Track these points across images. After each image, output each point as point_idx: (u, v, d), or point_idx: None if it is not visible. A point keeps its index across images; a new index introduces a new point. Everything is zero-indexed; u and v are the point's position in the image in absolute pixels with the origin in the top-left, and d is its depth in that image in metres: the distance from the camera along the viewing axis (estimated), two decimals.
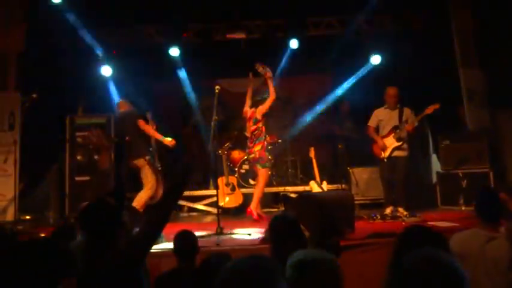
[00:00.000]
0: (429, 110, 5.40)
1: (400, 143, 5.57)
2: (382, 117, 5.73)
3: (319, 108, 7.56)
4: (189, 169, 2.12)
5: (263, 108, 5.63)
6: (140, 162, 5.47)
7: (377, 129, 5.76)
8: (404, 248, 1.70)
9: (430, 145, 7.00)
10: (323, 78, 8.01)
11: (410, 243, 1.73)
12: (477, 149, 5.98)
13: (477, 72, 6.53)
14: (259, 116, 5.65)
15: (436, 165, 6.69)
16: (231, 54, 7.38)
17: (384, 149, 5.60)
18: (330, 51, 7.23)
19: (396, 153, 5.58)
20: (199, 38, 7.18)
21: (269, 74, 5.64)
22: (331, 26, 7.30)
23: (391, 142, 5.61)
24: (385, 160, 5.61)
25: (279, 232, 2.29)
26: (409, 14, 7.20)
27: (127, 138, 5.62)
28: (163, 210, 2.01)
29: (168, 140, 5.49)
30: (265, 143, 5.69)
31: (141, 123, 5.57)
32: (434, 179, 6.54)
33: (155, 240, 2.01)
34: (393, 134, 5.61)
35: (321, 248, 2.14)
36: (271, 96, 5.58)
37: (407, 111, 5.66)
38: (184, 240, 2.79)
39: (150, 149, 5.77)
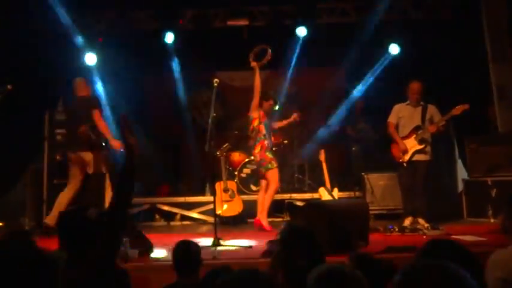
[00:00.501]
0: (457, 110, 5.40)
1: (422, 146, 5.56)
2: (403, 114, 5.71)
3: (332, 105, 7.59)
4: (131, 150, 2.16)
5: (253, 104, 5.65)
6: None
7: (397, 128, 5.76)
8: None
9: (455, 149, 7.00)
10: (335, 71, 8.03)
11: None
12: (509, 153, 5.97)
13: (510, 68, 6.54)
14: (252, 114, 5.68)
15: (462, 172, 6.69)
16: (232, 44, 7.40)
17: (405, 151, 5.58)
18: (343, 42, 7.24)
19: (417, 157, 5.57)
20: (197, 24, 7.20)
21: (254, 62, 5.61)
22: (345, 14, 7.32)
23: (412, 144, 5.60)
24: (405, 165, 5.60)
25: (292, 244, 2.26)
26: (434, 1, 7.21)
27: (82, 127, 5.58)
28: (121, 200, 2.08)
29: (116, 143, 5.44)
30: (266, 142, 5.69)
31: (97, 114, 5.52)
32: (460, 187, 6.54)
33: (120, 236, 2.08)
34: (415, 136, 5.60)
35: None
36: (256, 88, 5.59)
37: (431, 109, 5.63)
38: (186, 251, 2.79)
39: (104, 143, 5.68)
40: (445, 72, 6.64)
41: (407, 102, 5.74)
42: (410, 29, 6.99)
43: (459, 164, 6.85)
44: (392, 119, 5.77)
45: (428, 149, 5.61)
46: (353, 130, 7.44)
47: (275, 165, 5.70)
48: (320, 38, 7.16)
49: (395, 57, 7.19)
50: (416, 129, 5.62)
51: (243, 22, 7.16)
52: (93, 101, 5.68)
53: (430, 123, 5.57)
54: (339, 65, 7.66)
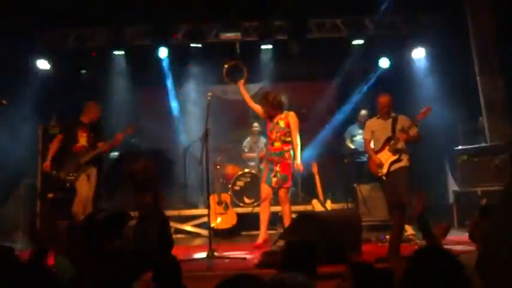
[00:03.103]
0: (421, 115, 5.44)
1: (396, 156, 5.54)
2: (375, 128, 5.73)
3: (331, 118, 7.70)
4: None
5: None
6: None
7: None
8: (415, 273, 1.80)
9: (445, 161, 7.14)
10: (325, 85, 8.20)
11: (421, 268, 1.82)
12: (497, 164, 6.13)
13: (497, 81, 6.72)
14: None
15: (452, 184, 6.83)
16: (225, 58, 7.55)
17: (381, 165, 5.57)
18: (333, 56, 7.42)
19: (395, 166, 5.55)
20: (190, 39, 7.34)
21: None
22: (336, 29, 7.51)
23: (386, 156, 5.58)
24: (384, 178, 5.58)
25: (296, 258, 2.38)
26: (423, 15, 7.42)
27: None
28: None
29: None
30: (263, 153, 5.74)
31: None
32: (451, 198, 6.67)
33: None
34: (388, 147, 5.60)
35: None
36: (249, 104, 5.71)
37: (402, 120, 5.64)
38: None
39: None
40: (434, 85, 6.82)
41: (378, 115, 5.79)
42: (399, 43, 7.19)
43: (450, 175, 7.00)
44: (366, 135, 5.82)
45: (404, 157, 5.57)
46: (351, 142, 7.50)
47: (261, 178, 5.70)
48: (311, 52, 7.33)
49: (385, 72, 7.38)
50: (388, 141, 5.61)
51: (235, 36, 7.32)
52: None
53: (402, 132, 5.55)
54: (331, 79, 7.84)
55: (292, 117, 5.50)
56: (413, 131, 5.54)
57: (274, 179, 5.44)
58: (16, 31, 6.51)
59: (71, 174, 5.73)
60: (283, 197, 5.46)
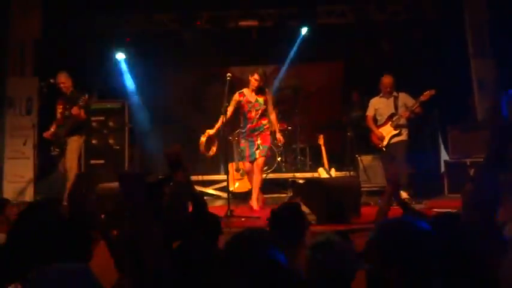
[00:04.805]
0: (424, 96, 5.77)
1: (397, 131, 5.98)
2: (379, 106, 6.16)
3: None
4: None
5: None
6: None
7: (375, 119, 6.23)
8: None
9: (438, 135, 7.48)
10: (333, 65, 8.53)
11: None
12: (485, 137, 6.40)
13: (489, 62, 6.99)
14: None
15: (444, 156, 7.18)
16: (243, 42, 7.92)
17: (382, 138, 6.02)
18: (341, 39, 7.72)
19: (394, 140, 6.02)
20: (212, 25, 7.72)
21: None
22: (342, 15, 7.80)
23: (388, 131, 6.03)
24: (384, 149, 6.04)
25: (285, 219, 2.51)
26: (422, 3, 7.66)
27: None
28: None
29: None
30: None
31: None
32: (442, 168, 7.04)
33: None
34: (390, 122, 6.02)
35: None
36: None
37: (403, 97, 6.02)
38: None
39: None
40: (430, 67, 7.13)
41: (381, 95, 6.18)
42: (400, 28, 7.48)
43: (442, 147, 7.34)
44: (369, 112, 6.23)
45: (404, 132, 6.01)
46: (348, 118, 7.89)
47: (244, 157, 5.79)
48: (320, 36, 7.65)
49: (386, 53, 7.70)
50: (391, 117, 6.04)
51: (252, 23, 7.65)
52: None
53: (404, 110, 5.97)
54: (338, 60, 8.17)
55: (269, 93, 5.77)
56: (416, 109, 5.92)
57: (257, 151, 5.63)
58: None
59: (56, 150, 5.81)
60: (260, 167, 5.63)
